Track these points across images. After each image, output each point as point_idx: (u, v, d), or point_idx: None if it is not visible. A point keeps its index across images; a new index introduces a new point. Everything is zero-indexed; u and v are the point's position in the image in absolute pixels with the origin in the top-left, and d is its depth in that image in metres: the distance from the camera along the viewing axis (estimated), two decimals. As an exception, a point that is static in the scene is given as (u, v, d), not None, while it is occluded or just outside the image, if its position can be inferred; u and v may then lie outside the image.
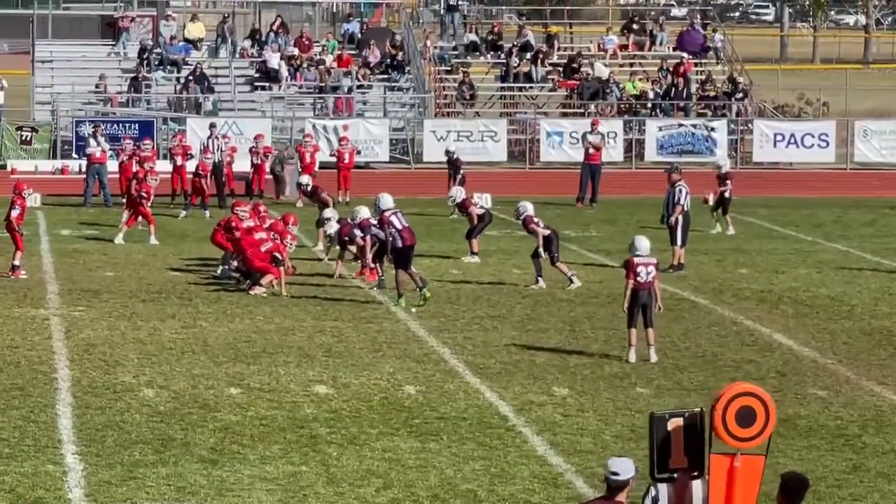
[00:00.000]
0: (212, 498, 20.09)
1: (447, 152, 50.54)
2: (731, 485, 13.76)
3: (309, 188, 40.86)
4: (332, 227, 36.27)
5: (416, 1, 76.43)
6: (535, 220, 34.96)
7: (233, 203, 39.18)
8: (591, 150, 50.64)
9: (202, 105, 60.54)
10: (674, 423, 14.05)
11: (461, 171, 47.58)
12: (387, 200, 33.70)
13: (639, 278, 27.31)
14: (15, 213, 35.78)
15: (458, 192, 40.31)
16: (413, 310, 32.14)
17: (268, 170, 49.59)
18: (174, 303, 32.88)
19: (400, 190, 46.39)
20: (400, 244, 32.70)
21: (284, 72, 62.35)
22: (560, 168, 56.27)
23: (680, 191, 37.24)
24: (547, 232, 34.86)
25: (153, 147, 49.02)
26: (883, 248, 41.10)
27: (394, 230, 32.79)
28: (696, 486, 14.40)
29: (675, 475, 14.19)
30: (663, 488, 14.45)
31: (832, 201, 50.21)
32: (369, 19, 70.71)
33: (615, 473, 14.12)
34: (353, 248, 35.19)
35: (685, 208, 37.09)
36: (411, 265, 32.98)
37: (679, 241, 37.04)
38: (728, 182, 42.23)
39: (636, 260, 27.44)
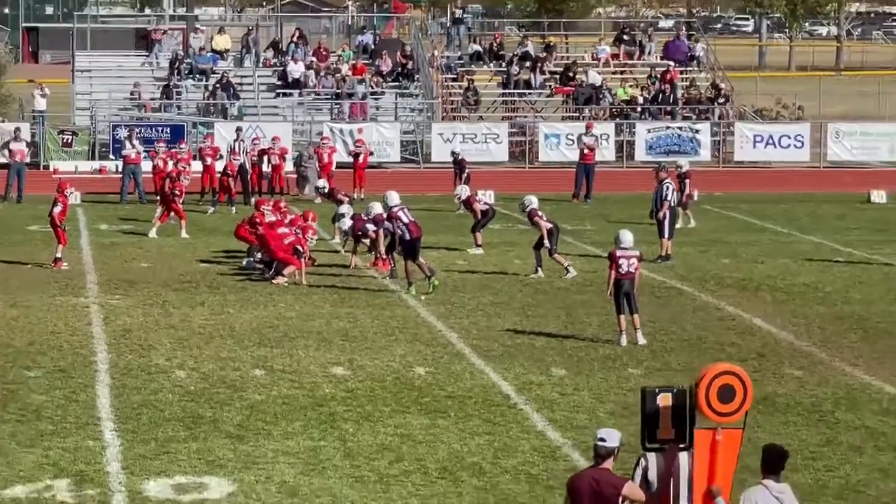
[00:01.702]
0: (238, 471, 20.10)
1: (453, 153, 50.62)
2: (713, 456, 13.78)
3: (325, 190, 40.83)
4: (346, 224, 36.34)
5: (425, 14, 76.45)
6: (539, 213, 34.95)
7: (257, 201, 39.28)
8: (586, 151, 50.68)
9: (228, 110, 60.53)
10: (663, 398, 14.07)
11: (466, 171, 47.61)
12: (393, 197, 33.74)
13: (620, 269, 27.34)
14: (57, 210, 35.81)
15: (464, 190, 40.33)
16: (422, 297, 32.15)
17: (285, 169, 49.61)
18: (203, 291, 32.89)
19: (410, 188, 46.46)
20: (408, 237, 32.80)
21: (313, 79, 62.35)
22: (557, 167, 56.20)
23: (667, 188, 37.31)
24: (549, 225, 34.86)
25: (188, 150, 48.99)
26: (853, 239, 41.07)
27: (402, 224, 32.88)
28: (683, 457, 14.41)
29: (664, 446, 14.19)
30: (653, 458, 14.46)
31: (807, 197, 50.15)
32: (382, 31, 70.68)
33: (602, 440, 14.17)
34: (367, 241, 35.25)
35: (672, 204, 37.16)
36: (419, 256, 33.05)
37: (666, 234, 37.10)
38: (687, 181, 42.01)
39: (619, 252, 27.48)
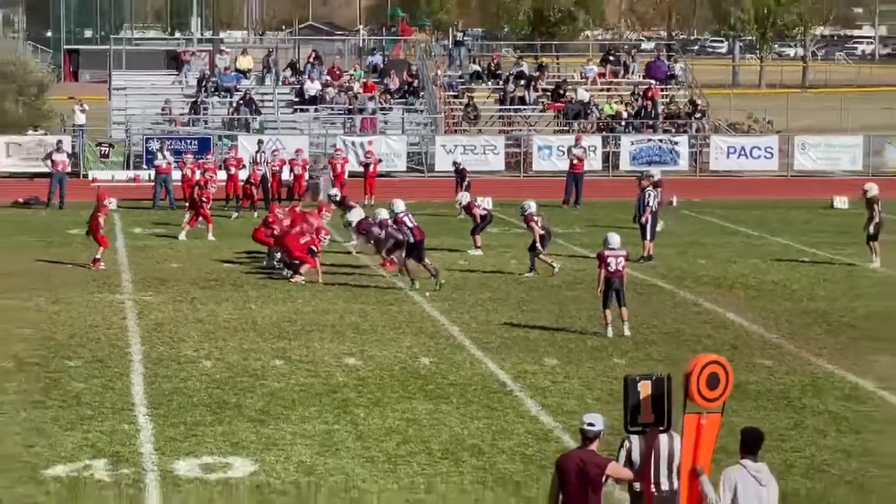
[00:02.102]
0: (260, 451, 20.11)
1: (455, 163, 50.62)
2: (698, 438, 13.76)
3: (338, 198, 40.82)
4: (355, 216, 36.33)
5: (429, 37, 76.47)
6: (536, 218, 34.93)
7: (270, 206, 39.33)
8: (575, 161, 50.74)
9: (251, 124, 60.52)
10: (643, 386, 14.07)
11: (467, 179, 47.60)
12: (399, 204, 33.96)
13: (609, 268, 27.37)
14: (100, 218, 35.92)
15: (464, 196, 40.31)
16: (427, 294, 32.16)
17: (305, 178, 49.65)
18: (228, 289, 32.90)
19: (415, 195, 46.50)
20: (412, 240, 32.92)
21: (332, 92, 62.42)
22: (549, 176, 56.12)
23: (648, 195, 37.34)
24: (542, 231, 34.88)
25: (214, 160, 48.99)
26: (818, 241, 41.06)
27: (406, 228, 33.04)
28: (663, 439, 14.41)
29: (646, 429, 14.19)
30: (636, 440, 14.46)
31: (776, 203, 50.13)
32: (390, 53, 70.68)
33: (591, 424, 14.17)
34: (372, 242, 35.22)
35: (653, 209, 37.18)
36: (425, 257, 33.13)
37: (648, 237, 37.12)
38: (659, 189, 41.72)
39: (607, 252, 27.52)
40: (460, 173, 48.32)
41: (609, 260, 27.45)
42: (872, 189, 37.12)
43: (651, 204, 37.17)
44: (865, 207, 37.26)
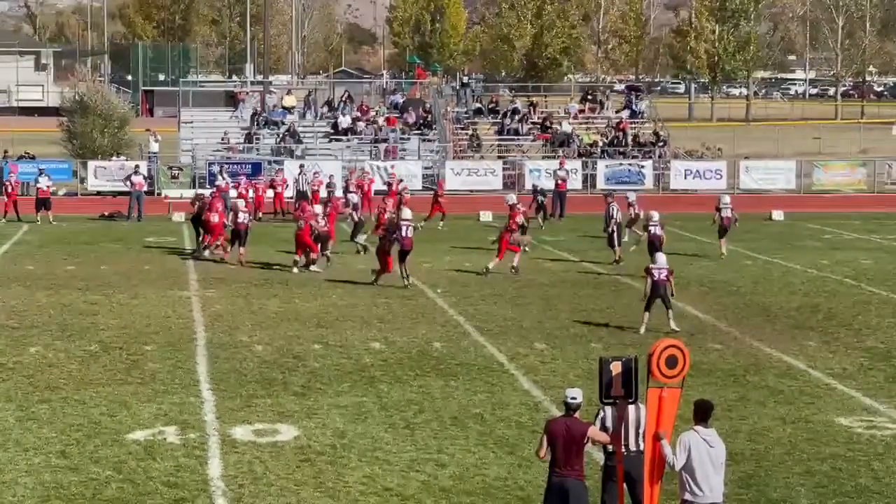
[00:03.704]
0: (302, 419, 20.12)
1: (533, 185, 50.40)
2: (660, 409, 13.76)
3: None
4: (354, 198, 38.78)
5: (440, 80, 76.42)
6: (518, 208, 35.61)
7: (302, 204, 39.32)
8: (559, 181, 50.77)
9: (294, 152, 60.59)
10: (615, 366, 14.06)
11: (539, 198, 47.19)
12: (406, 213, 33.71)
13: (654, 277, 27.10)
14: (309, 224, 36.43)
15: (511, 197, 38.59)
16: (438, 290, 32.15)
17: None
18: (276, 287, 32.91)
19: (428, 209, 46.36)
20: (401, 247, 32.70)
21: (361, 125, 62.57)
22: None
23: (613, 208, 37.28)
24: (522, 220, 35.33)
25: (264, 181, 49.06)
26: (759, 247, 41.05)
27: (401, 234, 32.74)
28: (632, 409, 14.42)
29: (616, 401, 14.20)
30: (609, 410, 14.47)
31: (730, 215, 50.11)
32: (408, 93, 70.68)
33: (573, 398, 14.20)
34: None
35: (617, 220, 37.11)
36: (406, 262, 32.79)
37: (616, 243, 37.10)
38: (633, 206, 41.36)
39: (653, 267, 27.30)
40: (539, 192, 47.95)
41: (654, 272, 27.24)
42: (723, 198, 38.86)
43: (615, 216, 37.14)
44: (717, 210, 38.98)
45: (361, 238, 39.48)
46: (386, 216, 36.51)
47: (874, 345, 26.22)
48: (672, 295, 27.44)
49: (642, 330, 27.10)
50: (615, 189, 47.69)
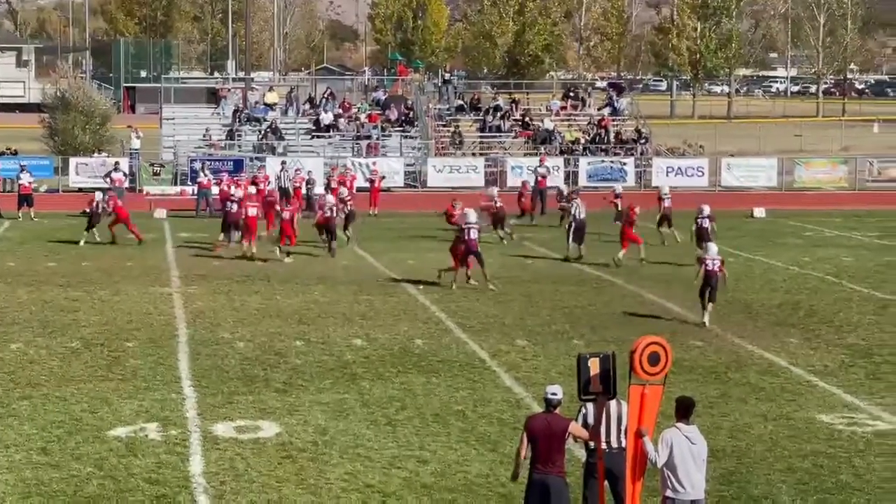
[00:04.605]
0: (283, 416, 20.10)
1: (559, 190, 48.20)
2: (642, 406, 13.74)
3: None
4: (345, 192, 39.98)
5: (422, 77, 76.46)
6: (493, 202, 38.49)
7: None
8: (539, 178, 50.77)
9: (276, 149, 60.52)
10: (593, 362, 14.04)
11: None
12: (471, 216, 33.29)
13: (707, 267, 27.82)
14: (251, 213, 37.63)
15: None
16: (420, 287, 32.14)
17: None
18: (258, 283, 32.88)
19: (410, 206, 46.42)
20: (466, 249, 32.08)
21: (345, 122, 62.55)
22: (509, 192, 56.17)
23: (574, 206, 37.54)
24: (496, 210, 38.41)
25: (246, 177, 49.06)
26: (741, 245, 41.12)
27: (467, 237, 32.09)
28: (613, 405, 14.41)
29: (595, 397, 14.17)
30: (590, 407, 14.46)
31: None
32: (390, 89, 70.66)
33: (554, 393, 14.20)
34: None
35: (577, 218, 37.14)
36: (472, 265, 32.37)
37: (571, 241, 37.21)
38: (619, 199, 42.22)
39: (706, 257, 28.04)
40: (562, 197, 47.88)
41: (707, 262, 27.89)
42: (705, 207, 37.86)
43: (575, 214, 37.31)
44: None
45: (350, 231, 40.20)
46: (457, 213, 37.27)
47: (855, 342, 26.29)
48: (725, 283, 28.38)
49: (705, 318, 27.61)
50: (578, 187, 48.05)
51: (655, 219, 41.31)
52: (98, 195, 41.27)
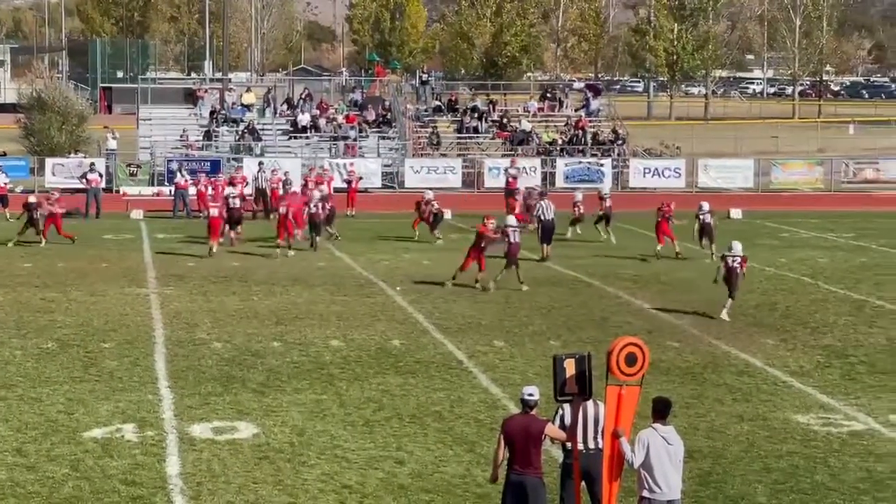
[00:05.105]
0: (261, 417, 20.07)
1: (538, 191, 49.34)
2: (619, 406, 13.75)
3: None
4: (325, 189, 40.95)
5: (400, 77, 76.46)
6: (430, 205, 40.80)
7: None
8: (510, 179, 50.90)
9: (253, 149, 60.44)
10: (568, 363, 14.05)
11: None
12: (511, 219, 33.40)
13: (728, 264, 28.66)
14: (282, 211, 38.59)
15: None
16: (398, 288, 32.13)
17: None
18: (235, 284, 32.82)
19: (388, 206, 46.41)
20: (508, 253, 32.23)
21: (323, 123, 62.53)
22: (498, 191, 56.03)
23: (540, 206, 38.04)
24: (437, 211, 40.43)
25: (223, 178, 49.02)
26: (717, 245, 40.98)
27: (509, 241, 32.17)
28: (590, 406, 14.42)
29: (571, 398, 14.18)
30: (567, 407, 14.46)
31: (683, 214, 49.83)
32: (367, 90, 70.62)
33: (531, 395, 14.19)
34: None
35: (543, 218, 37.28)
36: (515, 267, 32.36)
37: (545, 241, 37.33)
38: (579, 205, 42.33)
39: (727, 254, 28.83)
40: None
41: (728, 260, 28.64)
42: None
43: (537, 213, 37.69)
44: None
45: (332, 228, 41.13)
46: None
47: (831, 342, 26.37)
48: (743, 277, 28.91)
49: (724, 314, 28.22)
50: (539, 187, 48.36)
51: (594, 217, 42.03)
52: (33, 199, 41.08)
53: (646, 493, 13.57)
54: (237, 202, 39.84)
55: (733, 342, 26.13)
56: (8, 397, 21.14)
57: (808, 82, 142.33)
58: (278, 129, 63.11)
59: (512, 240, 32.20)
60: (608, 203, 42.02)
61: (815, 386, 22.64)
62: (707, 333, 26.97)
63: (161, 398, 21.20)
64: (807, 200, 57.59)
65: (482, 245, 32.15)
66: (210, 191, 43.88)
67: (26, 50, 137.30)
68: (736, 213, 50.28)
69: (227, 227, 39.47)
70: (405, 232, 42.37)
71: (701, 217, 37.85)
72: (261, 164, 52.13)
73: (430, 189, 46.01)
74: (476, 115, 65.00)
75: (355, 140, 61.90)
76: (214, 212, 38.29)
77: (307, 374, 22.95)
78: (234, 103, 64.60)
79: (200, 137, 61.55)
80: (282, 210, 38.74)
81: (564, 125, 64.89)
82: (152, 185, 57.21)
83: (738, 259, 28.55)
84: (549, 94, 69.34)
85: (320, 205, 39.05)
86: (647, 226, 45.46)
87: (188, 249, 38.99)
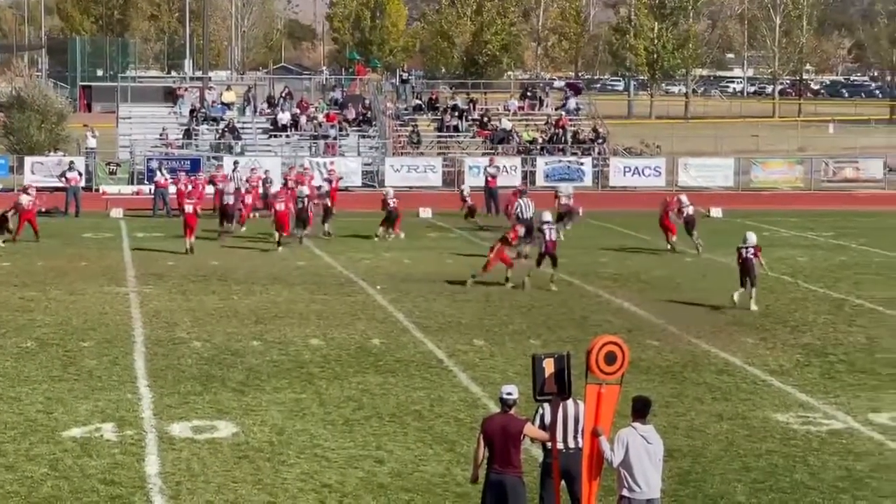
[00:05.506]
0: (240, 416, 20.05)
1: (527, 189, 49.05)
2: (598, 405, 13.75)
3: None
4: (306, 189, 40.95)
5: (380, 76, 76.43)
6: (390, 199, 40.88)
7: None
8: (489, 178, 50.97)
9: (233, 148, 60.35)
10: (547, 363, 14.04)
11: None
12: (546, 215, 33.47)
13: (743, 255, 29.57)
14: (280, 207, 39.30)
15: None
16: (378, 287, 32.11)
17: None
18: (215, 283, 32.77)
19: (368, 205, 46.35)
20: (545, 250, 32.37)
21: (303, 121, 62.51)
22: (478, 190, 56.02)
23: (519, 205, 39.15)
24: (392, 207, 40.69)
25: (204, 177, 48.94)
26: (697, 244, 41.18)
27: (544, 239, 32.36)
28: (570, 405, 14.42)
29: (550, 397, 14.18)
30: (547, 407, 14.46)
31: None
32: (348, 89, 70.57)
33: (509, 394, 14.19)
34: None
35: (518, 216, 37.89)
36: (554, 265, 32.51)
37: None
38: (561, 198, 42.86)
39: (742, 246, 29.67)
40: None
41: (742, 251, 29.51)
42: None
43: (517, 212, 38.22)
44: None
45: (327, 226, 41.62)
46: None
47: (810, 341, 26.42)
48: (762, 266, 29.78)
49: (736, 296, 29.29)
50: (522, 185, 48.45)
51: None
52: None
53: (625, 492, 13.58)
54: (305, 201, 40.10)
55: (713, 341, 26.17)
56: (-14, 397, 21.08)
57: (788, 81, 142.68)
58: (258, 128, 63.04)
59: (548, 237, 32.19)
60: (563, 201, 42.19)
61: (795, 385, 22.70)
62: (687, 332, 27.00)
63: (140, 397, 21.16)
64: (787, 199, 57.72)
65: (507, 249, 32.36)
66: (189, 188, 43.83)
67: (5, 48, 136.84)
68: (716, 212, 50.32)
69: (224, 221, 41.16)
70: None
71: (685, 210, 38.76)
72: (236, 163, 52.12)
73: (392, 188, 45.94)
74: (456, 113, 65.03)
75: (335, 139, 61.86)
76: (189, 208, 38.44)
77: (287, 373, 22.93)
78: (214, 102, 64.50)
79: (180, 136, 61.45)
80: (279, 207, 39.23)
81: (545, 124, 64.93)
82: (132, 183, 57.08)
83: (752, 250, 29.40)
84: (529, 93, 69.40)
85: (306, 199, 39.63)
86: (630, 225, 45.56)
87: (168, 246, 38.91)
